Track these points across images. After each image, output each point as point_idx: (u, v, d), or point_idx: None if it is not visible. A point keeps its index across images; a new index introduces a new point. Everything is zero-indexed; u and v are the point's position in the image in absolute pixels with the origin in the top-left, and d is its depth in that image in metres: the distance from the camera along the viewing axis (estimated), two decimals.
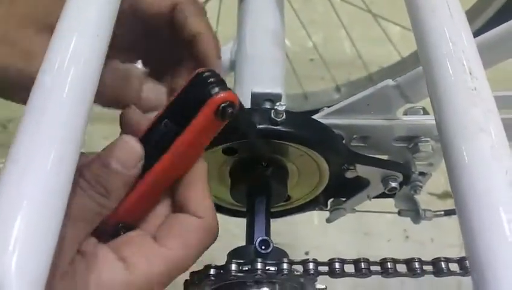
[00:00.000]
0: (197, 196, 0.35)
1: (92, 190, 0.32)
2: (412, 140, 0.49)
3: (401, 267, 0.42)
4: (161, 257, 0.32)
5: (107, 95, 0.40)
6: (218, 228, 0.35)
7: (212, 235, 0.35)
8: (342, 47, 1.26)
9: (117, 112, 0.39)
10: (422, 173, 0.52)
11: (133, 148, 0.33)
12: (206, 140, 0.35)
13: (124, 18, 0.37)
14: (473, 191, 0.24)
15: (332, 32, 1.25)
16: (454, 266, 0.41)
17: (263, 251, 0.41)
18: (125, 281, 0.31)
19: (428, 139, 0.49)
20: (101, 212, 0.32)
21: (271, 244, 0.42)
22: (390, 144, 0.50)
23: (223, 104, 0.33)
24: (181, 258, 0.33)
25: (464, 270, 0.40)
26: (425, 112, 0.50)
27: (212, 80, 0.33)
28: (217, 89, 0.33)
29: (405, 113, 0.50)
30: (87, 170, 0.32)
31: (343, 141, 0.49)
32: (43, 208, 0.24)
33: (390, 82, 0.45)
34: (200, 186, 0.35)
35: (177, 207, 0.35)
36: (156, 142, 0.34)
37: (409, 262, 0.42)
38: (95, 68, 0.29)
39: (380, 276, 0.42)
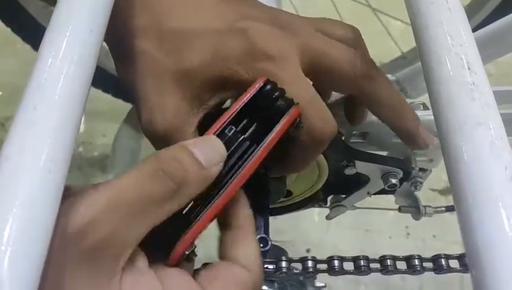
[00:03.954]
0: (247, 245, 0.31)
1: (163, 170, 0.27)
2: None
3: (401, 265, 0.42)
4: None
5: None
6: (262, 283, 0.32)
7: None
8: None
9: (116, 109, 0.39)
10: (422, 169, 0.52)
11: (218, 145, 0.30)
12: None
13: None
14: (472, 187, 0.24)
15: None
16: (454, 263, 0.41)
17: (261, 249, 0.41)
18: None
19: None
20: (164, 206, 0.27)
21: (269, 242, 0.41)
22: (390, 140, 0.50)
23: (297, 118, 0.33)
24: None
25: (464, 267, 0.40)
26: (425, 108, 0.50)
27: (277, 93, 0.33)
28: (288, 103, 0.32)
29: None
30: (161, 151, 0.28)
31: (343, 138, 0.49)
32: (36, 206, 0.23)
33: (389, 77, 0.45)
34: (250, 232, 0.32)
35: (223, 252, 0.31)
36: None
37: (409, 259, 0.42)
38: (88, 64, 0.28)
39: (379, 273, 0.42)
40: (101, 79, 0.86)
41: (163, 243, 0.30)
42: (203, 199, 0.30)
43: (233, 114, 0.32)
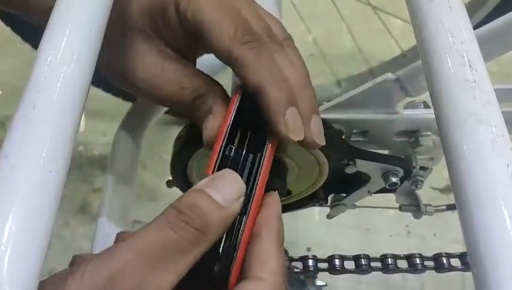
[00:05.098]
0: (261, 253, 0.30)
1: (183, 220, 0.27)
2: (412, 134, 0.49)
3: (402, 263, 0.42)
4: None
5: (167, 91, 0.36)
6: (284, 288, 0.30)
7: None
8: (342, 41, 1.25)
9: (116, 109, 0.39)
10: (423, 168, 0.51)
11: (235, 180, 0.30)
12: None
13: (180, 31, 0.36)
14: (474, 186, 0.23)
15: (332, 26, 1.25)
16: (455, 262, 0.41)
17: None
18: None
19: (429, 133, 0.48)
20: (190, 253, 0.27)
21: None
22: (390, 138, 0.50)
23: None
24: None
25: (465, 266, 0.40)
26: (426, 106, 0.49)
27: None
28: None
29: (405, 107, 0.50)
30: (179, 200, 0.29)
31: (343, 136, 0.49)
32: (35, 206, 0.23)
33: (390, 76, 0.45)
34: (268, 238, 0.30)
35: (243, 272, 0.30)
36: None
37: (409, 258, 0.41)
38: (88, 63, 0.28)
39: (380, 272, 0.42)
40: (102, 78, 0.86)
41: (207, 285, 0.29)
42: (232, 227, 0.30)
43: (227, 134, 0.32)
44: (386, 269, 0.42)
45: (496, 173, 0.23)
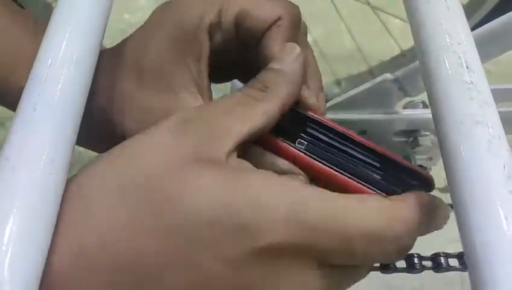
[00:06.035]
0: None
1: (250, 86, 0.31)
2: (411, 134, 0.49)
3: (401, 263, 0.42)
4: None
5: None
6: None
7: None
8: (341, 41, 1.25)
9: None
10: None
11: (295, 47, 0.32)
12: None
13: (227, 30, 0.35)
14: (470, 186, 0.24)
15: (331, 26, 1.25)
16: (453, 261, 0.41)
17: None
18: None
19: (427, 133, 0.49)
20: (255, 107, 0.29)
21: None
22: (389, 138, 0.50)
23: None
24: None
25: (464, 265, 0.40)
26: (425, 106, 0.50)
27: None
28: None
29: (405, 107, 0.50)
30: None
31: None
32: (36, 207, 0.23)
33: (388, 76, 0.45)
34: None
35: None
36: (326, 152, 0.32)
37: (408, 258, 0.42)
38: (88, 64, 0.28)
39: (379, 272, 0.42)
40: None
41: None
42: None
43: (283, 141, 0.32)
44: (384, 269, 0.42)
45: (493, 174, 0.23)
